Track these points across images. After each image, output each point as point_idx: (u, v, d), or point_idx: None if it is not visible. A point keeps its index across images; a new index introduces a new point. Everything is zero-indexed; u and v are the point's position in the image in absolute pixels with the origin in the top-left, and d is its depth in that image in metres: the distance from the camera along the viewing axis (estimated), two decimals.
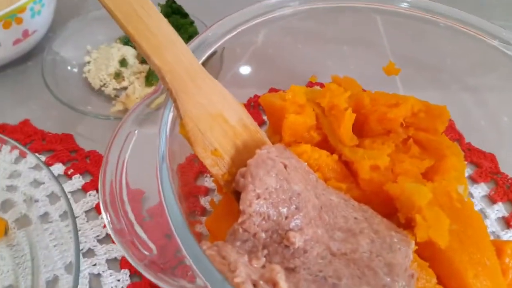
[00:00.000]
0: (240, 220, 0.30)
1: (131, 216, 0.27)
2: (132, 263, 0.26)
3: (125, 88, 0.55)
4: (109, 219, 0.27)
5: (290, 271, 0.32)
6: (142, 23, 0.32)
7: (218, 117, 0.34)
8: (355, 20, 0.52)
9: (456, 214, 0.36)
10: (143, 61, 0.57)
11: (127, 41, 0.59)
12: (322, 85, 0.55)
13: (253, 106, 0.54)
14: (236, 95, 0.55)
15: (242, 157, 0.34)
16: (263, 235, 0.32)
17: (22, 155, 0.45)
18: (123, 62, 0.56)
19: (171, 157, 0.33)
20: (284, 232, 0.32)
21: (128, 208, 0.27)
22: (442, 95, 0.50)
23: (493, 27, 0.43)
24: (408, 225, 0.36)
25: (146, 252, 0.25)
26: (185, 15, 0.59)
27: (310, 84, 0.56)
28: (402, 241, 0.34)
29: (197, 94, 0.32)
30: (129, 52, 0.57)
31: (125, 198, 0.28)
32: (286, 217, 0.32)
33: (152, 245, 0.26)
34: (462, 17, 0.45)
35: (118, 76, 0.56)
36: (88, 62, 0.57)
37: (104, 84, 0.55)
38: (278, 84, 0.56)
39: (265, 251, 0.32)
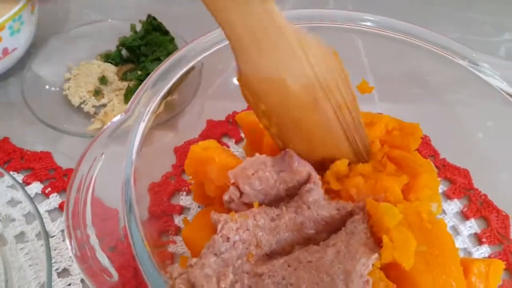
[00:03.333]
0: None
1: (93, 240, 0.27)
2: None
3: (104, 105, 0.55)
4: (71, 245, 0.27)
5: (257, 277, 0.34)
6: None
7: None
8: (333, 38, 0.53)
9: (425, 235, 0.36)
10: (122, 78, 0.57)
11: (107, 58, 0.59)
12: None
13: (231, 123, 0.55)
14: (214, 111, 0.56)
15: None
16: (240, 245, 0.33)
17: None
18: (102, 79, 0.57)
19: (140, 176, 0.33)
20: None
21: (92, 231, 0.28)
22: (418, 110, 0.51)
23: (463, 48, 0.44)
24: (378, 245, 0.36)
25: (107, 278, 0.26)
26: (165, 32, 0.59)
27: None
28: (365, 253, 0.34)
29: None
30: (109, 69, 0.58)
31: (88, 221, 0.28)
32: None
33: (114, 272, 0.26)
34: (435, 38, 0.46)
35: (97, 93, 0.56)
36: (68, 79, 0.58)
37: (84, 101, 0.56)
38: None
39: (238, 262, 0.33)
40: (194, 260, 0.34)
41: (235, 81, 0.56)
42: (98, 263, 0.26)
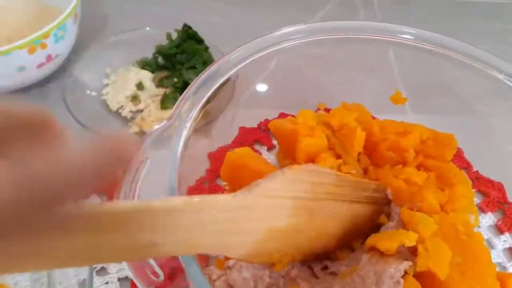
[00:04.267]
0: None
1: None
2: None
3: (141, 111, 0.57)
4: None
5: (292, 281, 0.35)
6: None
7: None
8: (364, 49, 0.54)
9: (460, 247, 0.36)
10: (159, 84, 0.59)
11: (144, 65, 0.61)
12: (328, 111, 0.56)
13: (263, 130, 0.56)
14: (247, 119, 0.58)
15: None
16: None
17: None
18: (140, 86, 0.59)
19: (180, 181, 0.34)
20: None
21: None
22: (450, 122, 0.51)
23: (499, 62, 0.44)
24: (412, 254, 0.36)
25: (153, 278, 0.27)
26: (200, 41, 0.61)
27: (317, 110, 0.57)
28: (398, 259, 0.35)
29: None
30: (146, 76, 0.60)
31: None
32: None
33: (159, 271, 0.27)
34: (469, 50, 0.46)
35: (135, 99, 0.58)
36: (107, 85, 0.60)
37: (121, 106, 0.58)
38: (287, 109, 0.58)
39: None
40: (232, 262, 0.35)
41: (265, 89, 0.58)
42: (146, 263, 0.27)
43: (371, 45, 0.51)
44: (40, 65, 0.56)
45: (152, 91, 0.59)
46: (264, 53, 0.46)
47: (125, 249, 0.21)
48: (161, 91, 0.58)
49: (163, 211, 0.22)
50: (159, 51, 0.61)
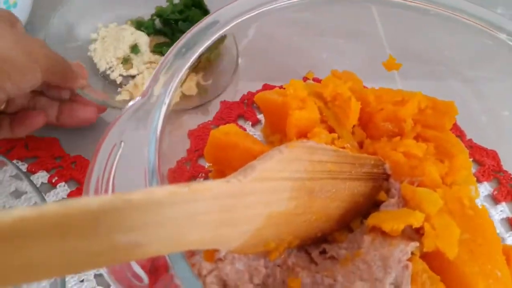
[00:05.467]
0: None
1: None
2: None
3: (132, 77, 0.51)
4: None
5: (290, 270, 0.32)
6: None
7: None
8: (348, 11, 0.50)
9: (467, 222, 0.34)
10: (154, 50, 0.53)
11: (139, 26, 0.55)
12: (318, 81, 0.52)
13: (247, 104, 0.52)
14: (228, 93, 0.53)
15: None
16: None
17: (1, 164, 0.42)
18: (134, 48, 0.52)
19: (160, 162, 0.30)
20: None
21: None
22: (441, 88, 0.48)
23: (501, 20, 0.41)
24: (417, 232, 0.34)
25: (136, 282, 0.23)
26: (206, 12, 0.55)
27: (305, 80, 0.53)
28: (403, 240, 0.32)
29: None
30: (142, 38, 0.53)
31: None
32: None
33: (143, 274, 0.23)
34: (466, 7, 0.43)
35: (126, 61, 0.52)
36: (95, 40, 0.53)
37: (110, 67, 0.51)
38: (272, 81, 0.54)
39: None
40: (223, 252, 0.31)
41: (246, 60, 0.53)
42: (126, 264, 0.23)
43: (354, 6, 0.47)
44: None
45: (147, 57, 0.52)
46: (243, 18, 0.41)
47: (102, 254, 0.17)
48: (157, 58, 0.52)
49: (145, 206, 0.18)
50: (159, 14, 0.54)
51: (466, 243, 0.33)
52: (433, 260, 0.32)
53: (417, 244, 0.31)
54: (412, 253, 0.31)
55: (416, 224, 0.32)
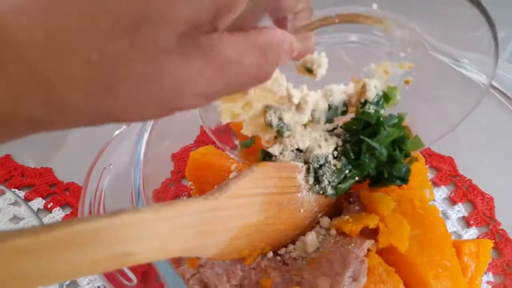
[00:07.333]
0: None
1: None
2: None
3: None
4: None
5: (263, 272, 0.36)
6: None
7: None
8: None
9: (418, 220, 0.38)
10: None
11: None
12: None
13: (223, 131, 0.56)
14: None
15: None
16: None
17: (1, 192, 0.46)
18: None
19: (146, 184, 0.35)
20: None
21: None
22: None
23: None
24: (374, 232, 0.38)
25: (126, 282, 0.27)
26: None
27: None
28: (360, 239, 0.36)
29: None
30: None
31: None
32: None
33: (132, 276, 0.28)
34: None
35: None
36: None
37: None
38: None
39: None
40: (204, 260, 0.35)
41: None
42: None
43: None
44: None
45: None
46: None
47: (98, 262, 0.21)
48: None
49: (135, 222, 0.22)
50: None
51: (417, 238, 0.37)
52: (388, 254, 0.36)
53: (373, 241, 0.36)
54: (369, 250, 0.36)
55: (372, 225, 0.36)
